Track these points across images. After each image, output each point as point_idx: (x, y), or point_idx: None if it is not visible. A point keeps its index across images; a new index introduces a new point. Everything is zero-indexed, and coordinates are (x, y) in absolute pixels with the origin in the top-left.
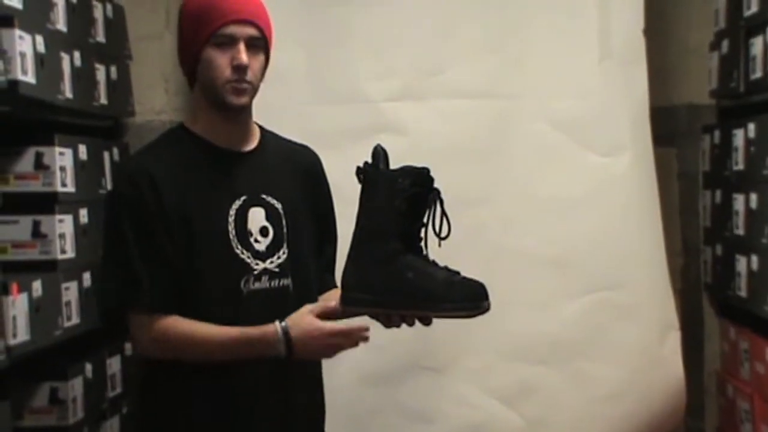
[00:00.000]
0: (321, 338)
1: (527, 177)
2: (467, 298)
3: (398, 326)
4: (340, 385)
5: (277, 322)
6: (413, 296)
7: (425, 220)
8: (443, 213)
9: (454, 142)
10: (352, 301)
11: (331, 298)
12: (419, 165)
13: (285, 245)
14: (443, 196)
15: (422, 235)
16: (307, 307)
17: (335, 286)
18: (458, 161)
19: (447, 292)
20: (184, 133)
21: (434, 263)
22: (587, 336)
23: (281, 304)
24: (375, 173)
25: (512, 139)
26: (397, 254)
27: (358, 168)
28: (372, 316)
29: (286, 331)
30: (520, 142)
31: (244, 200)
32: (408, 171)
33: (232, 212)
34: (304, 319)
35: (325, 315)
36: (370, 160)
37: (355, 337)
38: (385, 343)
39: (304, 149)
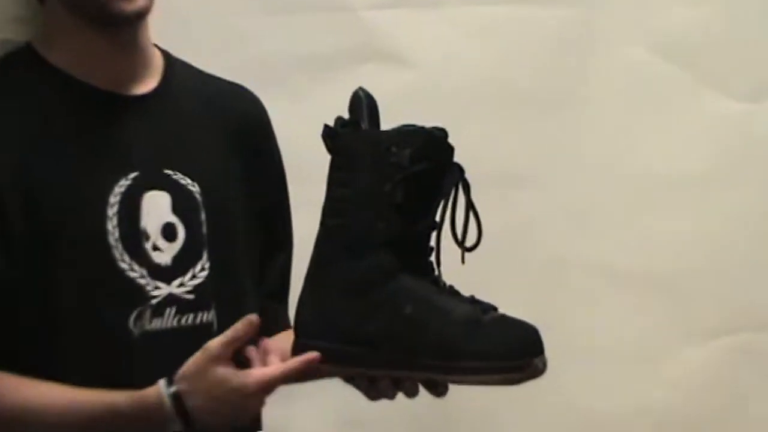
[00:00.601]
0: (242, 400)
1: (610, 140)
2: (506, 351)
3: (391, 397)
4: None
5: (161, 383)
6: (413, 347)
7: (438, 217)
8: (469, 206)
9: (485, 79)
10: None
11: (279, 347)
12: (427, 124)
13: (205, 255)
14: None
15: (432, 242)
16: (209, 348)
17: (288, 325)
18: (492, 112)
19: (471, 340)
20: (33, 64)
21: (452, 291)
22: (715, 404)
23: None
24: (353, 137)
25: (584, 75)
26: (388, 274)
27: (326, 128)
28: (346, 379)
29: (176, 398)
30: (597, 79)
31: (136, 179)
32: (410, 134)
33: (114, 199)
34: (206, 374)
35: (242, 349)
36: (346, 114)
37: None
38: (374, 417)
39: (238, 91)
